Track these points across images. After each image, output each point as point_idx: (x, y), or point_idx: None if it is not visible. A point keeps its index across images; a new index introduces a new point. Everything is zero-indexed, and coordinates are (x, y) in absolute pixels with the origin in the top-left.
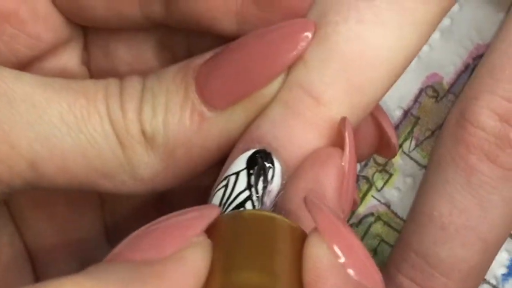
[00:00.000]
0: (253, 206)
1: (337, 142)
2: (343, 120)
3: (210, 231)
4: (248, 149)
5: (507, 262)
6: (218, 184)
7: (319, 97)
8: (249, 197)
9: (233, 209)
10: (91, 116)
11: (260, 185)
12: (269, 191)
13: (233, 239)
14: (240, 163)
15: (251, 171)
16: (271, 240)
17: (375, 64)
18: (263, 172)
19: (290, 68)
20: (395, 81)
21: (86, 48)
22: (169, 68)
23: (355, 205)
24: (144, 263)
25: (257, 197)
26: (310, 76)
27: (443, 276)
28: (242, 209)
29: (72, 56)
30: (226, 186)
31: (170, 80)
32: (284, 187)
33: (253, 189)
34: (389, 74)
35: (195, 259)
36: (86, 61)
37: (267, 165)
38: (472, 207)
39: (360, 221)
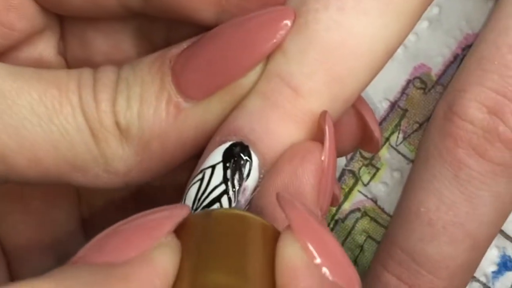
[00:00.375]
0: (229, 200)
1: (317, 135)
2: (323, 113)
3: (179, 231)
4: (224, 142)
5: (497, 260)
6: (194, 178)
7: (298, 89)
8: (225, 191)
9: (209, 203)
10: (63, 107)
11: (237, 179)
12: (246, 185)
13: (203, 240)
14: (216, 156)
15: (227, 164)
16: (242, 240)
17: (356, 54)
18: (239, 165)
19: (268, 57)
20: (377, 72)
21: (62, 37)
22: (144, 58)
23: (336, 201)
24: (109, 265)
25: (234, 191)
26: (289, 66)
27: (430, 273)
28: (214, 207)
29: (48, 46)
30: (201, 179)
31: (146, 71)
32: (261, 180)
33: (229, 183)
34: (371, 64)
35: (163, 260)
36: (63, 51)
37: (244, 158)
38: (460, 203)
39: (346, 217)
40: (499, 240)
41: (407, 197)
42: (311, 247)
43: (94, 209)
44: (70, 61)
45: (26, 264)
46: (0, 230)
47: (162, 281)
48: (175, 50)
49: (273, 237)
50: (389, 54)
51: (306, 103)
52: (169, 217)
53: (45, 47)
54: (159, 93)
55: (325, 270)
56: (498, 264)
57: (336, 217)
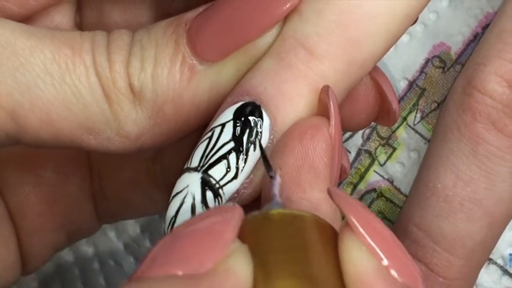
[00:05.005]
0: (237, 158)
1: (321, 110)
2: (326, 88)
3: (238, 235)
4: (237, 102)
5: None
6: (203, 136)
7: (313, 50)
8: (233, 149)
9: (216, 160)
10: (76, 67)
11: (246, 138)
12: (259, 140)
13: (266, 243)
14: (227, 114)
15: (238, 123)
16: (305, 242)
17: (374, 17)
18: (249, 124)
19: (285, 20)
20: (396, 39)
21: (79, 9)
22: (160, 22)
23: (344, 174)
24: (192, 278)
25: (242, 149)
26: (304, 27)
27: (446, 251)
28: (221, 164)
29: (65, 17)
30: (210, 137)
31: (161, 33)
32: (272, 142)
33: (238, 141)
34: (389, 29)
35: (242, 269)
36: (79, 23)
37: (255, 117)
38: (478, 178)
39: (361, 198)
40: None
41: (424, 174)
42: (377, 249)
43: (106, 184)
44: None
45: (37, 241)
46: (12, 203)
47: None
48: (191, 13)
49: (331, 234)
50: (409, 20)
51: (320, 64)
52: (227, 221)
53: (62, 19)
54: (174, 55)
55: (393, 272)
56: None
57: None
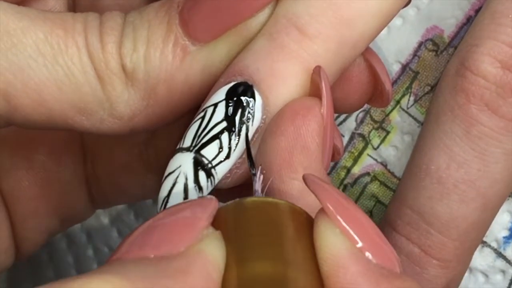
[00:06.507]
0: (229, 138)
1: (312, 90)
2: (318, 69)
3: (213, 223)
4: (229, 82)
5: (509, 224)
6: (196, 116)
7: (305, 30)
8: (225, 129)
9: (209, 140)
10: (69, 48)
11: (238, 117)
12: (248, 125)
13: (240, 229)
14: (219, 94)
15: (230, 102)
16: (279, 227)
17: None
18: (242, 104)
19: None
20: (387, 19)
21: None
22: (152, 4)
23: (338, 155)
24: (164, 259)
25: (234, 129)
26: (296, 7)
27: (440, 233)
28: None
29: (58, 1)
30: (203, 117)
31: (153, 14)
32: (264, 121)
33: (230, 120)
34: (381, 8)
35: (213, 251)
36: (72, 8)
37: (248, 97)
38: (472, 160)
39: (355, 181)
40: (510, 204)
41: (417, 156)
42: (351, 231)
43: (99, 169)
44: None
45: (30, 226)
46: (5, 187)
47: (216, 272)
48: None
49: (306, 221)
50: (401, 1)
51: (312, 44)
52: (202, 208)
53: (55, 3)
54: (166, 36)
55: (368, 254)
56: (510, 229)
57: (345, 182)
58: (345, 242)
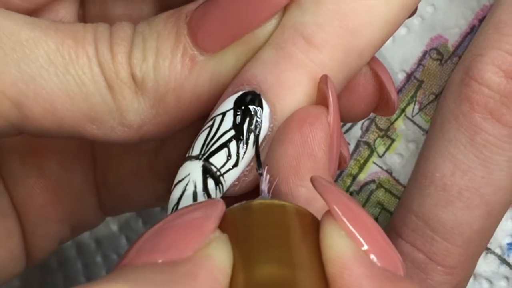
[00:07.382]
0: (237, 146)
1: (319, 99)
2: (324, 78)
3: (220, 226)
4: (237, 91)
5: None
6: (205, 125)
7: (311, 39)
8: (233, 137)
9: (217, 148)
10: (79, 58)
11: (246, 126)
12: (256, 133)
13: (247, 232)
14: (227, 103)
15: (238, 111)
16: (285, 229)
17: (371, 6)
18: (250, 113)
19: (285, 10)
20: (394, 28)
21: (82, 4)
22: (161, 14)
23: (344, 163)
24: (172, 263)
25: (242, 138)
26: (303, 17)
27: (444, 240)
28: (221, 153)
29: (68, 12)
30: (211, 126)
31: (162, 25)
32: (271, 130)
33: (238, 129)
34: (387, 18)
35: (220, 255)
36: (82, 18)
37: (255, 106)
38: (476, 167)
39: (360, 189)
40: None
41: (422, 163)
42: (357, 234)
43: (109, 176)
44: None
45: (41, 233)
46: (16, 194)
47: (223, 276)
48: (191, 5)
49: (312, 223)
50: (406, 10)
51: (319, 53)
52: (209, 212)
53: (66, 13)
54: (175, 46)
55: (373, 256)
56: None
57: (351, 189)
58: (350, 244)
